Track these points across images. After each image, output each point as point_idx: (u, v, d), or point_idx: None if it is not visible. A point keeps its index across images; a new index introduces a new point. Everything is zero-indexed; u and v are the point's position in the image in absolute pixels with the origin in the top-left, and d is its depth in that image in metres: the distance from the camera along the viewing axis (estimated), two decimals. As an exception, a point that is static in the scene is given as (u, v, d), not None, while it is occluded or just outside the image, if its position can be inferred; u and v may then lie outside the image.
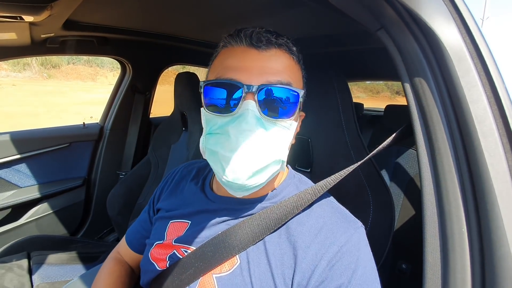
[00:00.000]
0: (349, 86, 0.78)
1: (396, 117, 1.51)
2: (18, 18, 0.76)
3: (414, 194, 1.22)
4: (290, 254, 0.46)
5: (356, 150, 0.72)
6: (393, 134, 0.54)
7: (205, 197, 0.57)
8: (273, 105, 0.45)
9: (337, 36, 1.17)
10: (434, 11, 0.42)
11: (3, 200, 1.45)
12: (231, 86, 0.45)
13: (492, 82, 0.39)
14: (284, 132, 0.47)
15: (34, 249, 1.20)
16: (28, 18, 0.78)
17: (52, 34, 1.20)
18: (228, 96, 0.46)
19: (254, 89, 0.44)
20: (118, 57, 1.65)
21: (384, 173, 1.45)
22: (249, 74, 0.45)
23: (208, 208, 0.55)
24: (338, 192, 0.73)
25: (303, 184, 0.57)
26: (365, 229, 0.67)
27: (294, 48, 0.50)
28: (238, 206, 0.53)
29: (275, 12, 0.99)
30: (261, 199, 0.53)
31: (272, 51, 0.47)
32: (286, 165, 0.60)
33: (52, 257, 1.14)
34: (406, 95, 0.48)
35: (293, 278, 0.44)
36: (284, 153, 0.48)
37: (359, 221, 0.51)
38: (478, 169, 0.37)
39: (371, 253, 0.48)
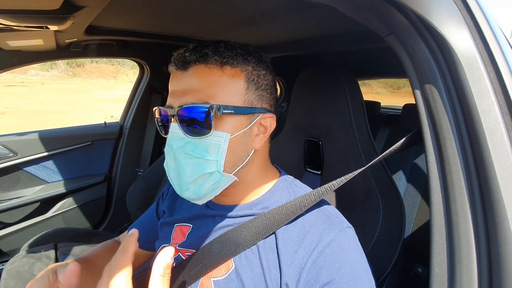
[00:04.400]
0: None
1: (414, 117, 1.46)
2: (44, 28, 0.81)
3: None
4: (277, 259, 0.47)
5: (366, 154, 0.72)
6: (409, 135, 0.53)
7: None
8: (191, 124, 0.47)
9: (348, 35, 1.14)
10: (445, 16, 0.40)
11: (33, 194, 1.56)
12: (165, 111, 0.50)
13: (506, 91, 0.37)
14: (213, 144, 0.47)
15: (60, 240, 1.26)
16: (53, 28, 0.83)
17: (75, 39, 1.27)
18: (164, 120, 0.52)
19: (175, 112, 0.48)
20: (136, 59, 1.71)
21: (401, 174, 1.42)
22: (174, 97, 0.49)
23: (206, 213, 0.58)
24: (348, 196, 0.73)
25: (296, 187, 0.57)
26: (375, 233, 0.67)
27: (219, 57, 0.48)
28: (231, 213, 0.55)
29: (287, 13, 0.99)
30: (252, 203, 0.54)
31: (190, 70, 0.48)
32: (277, 168, 0.60)
33: (77, 249, 1.21)
34: (416, 101, 0.47)
35: (281, 283, 0.46)
36: (215, 165, 0.48)
37: (346, 221, 0.51)
38: (487, 180, 0.36)
39: (362, 253, 0.48)
